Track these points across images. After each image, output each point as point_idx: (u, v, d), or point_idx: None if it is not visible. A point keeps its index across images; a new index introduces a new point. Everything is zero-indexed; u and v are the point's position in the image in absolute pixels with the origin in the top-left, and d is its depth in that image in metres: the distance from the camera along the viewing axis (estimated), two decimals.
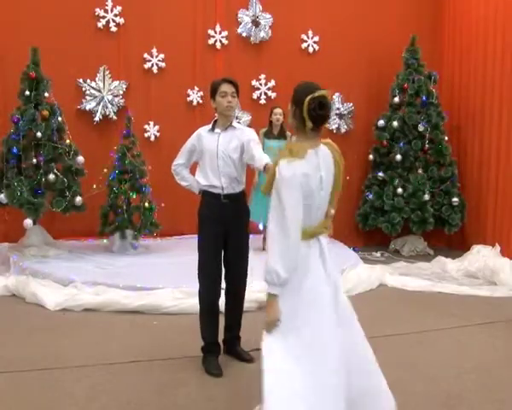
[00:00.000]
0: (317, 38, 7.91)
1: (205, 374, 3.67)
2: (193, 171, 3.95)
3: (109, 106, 7.09)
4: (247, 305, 4.15)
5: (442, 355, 4.08)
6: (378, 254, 7.51)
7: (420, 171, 7.55)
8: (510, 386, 3.58)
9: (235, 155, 3.70)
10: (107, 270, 5.82)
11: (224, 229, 3.71)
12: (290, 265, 2.44)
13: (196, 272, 3.76)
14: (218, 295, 3.78)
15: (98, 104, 7.07)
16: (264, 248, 6.91)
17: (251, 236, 3.96)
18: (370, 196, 7.70)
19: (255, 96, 7.72)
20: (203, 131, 3.83)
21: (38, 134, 6.06)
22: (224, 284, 3.86)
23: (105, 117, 7.11)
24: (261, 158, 3.46)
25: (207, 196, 3.76)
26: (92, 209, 6.53)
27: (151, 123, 7.33)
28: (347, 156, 9.25)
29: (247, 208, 3.92)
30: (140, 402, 3.27)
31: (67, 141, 6.37)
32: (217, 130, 3.76)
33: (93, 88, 7.06)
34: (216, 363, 3.75)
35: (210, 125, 3.82)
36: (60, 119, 6.32)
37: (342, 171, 2.68)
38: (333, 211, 2.71)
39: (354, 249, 7.41)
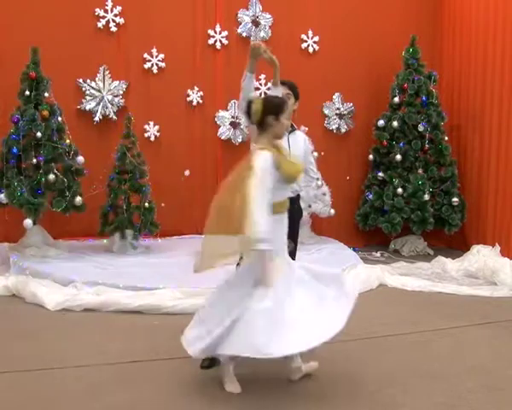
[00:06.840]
0: (317, 38, 7.90)
1: (205, 374, 3.66)
2: None
3: (109, 106, 7.09)
4: None
5: (442, 355, 4.08)
6: (378, 254, 7.50)
7: (420, 171, 7.55)
8: (510, 386, 3.58)
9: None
10: (107, 270, 5.81)
11: None
12: None
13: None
14: None
15: (98, 104, 7.07)
16: None
17: None
18: (370, 196, 7.70)
19: None
20: None
21: (38, 134, 6.05)
22: None
23: (105, 117, 7.10)
24: None
25: None
26: (92, 209, 6.52)
27: (151, 123, 7.33)
28: (347, 156, 9.24)
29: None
30: (140, 402, 3.27)
31: (67, 141, 6.36)
32: None
33: (93, 88, 7.05)
34: None
35: None
36: (60, 119, 6.31)
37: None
38: None
39: (354, 249, 7.40)
